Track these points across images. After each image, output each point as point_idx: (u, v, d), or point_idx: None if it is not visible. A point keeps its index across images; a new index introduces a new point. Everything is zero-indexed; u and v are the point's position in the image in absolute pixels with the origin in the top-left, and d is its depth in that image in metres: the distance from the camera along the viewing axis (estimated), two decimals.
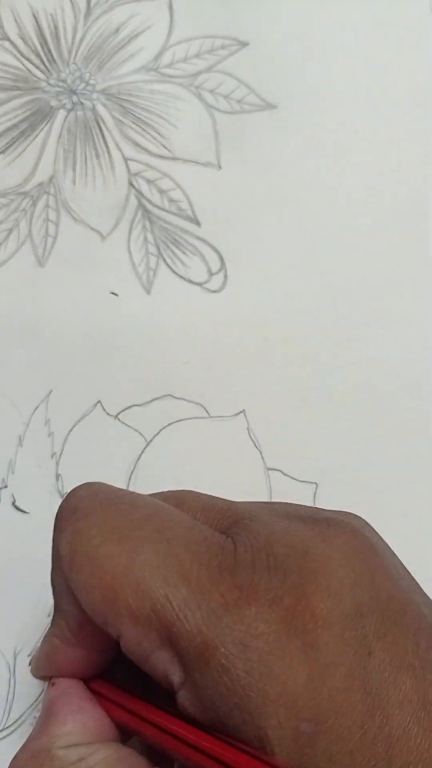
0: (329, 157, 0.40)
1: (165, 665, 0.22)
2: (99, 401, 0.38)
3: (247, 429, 0.37)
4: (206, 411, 0.37)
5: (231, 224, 0.39)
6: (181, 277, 0.39)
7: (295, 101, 0.40)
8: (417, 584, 0.25)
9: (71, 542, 0.24)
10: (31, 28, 0.41)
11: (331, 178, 0.39)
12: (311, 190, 0.39)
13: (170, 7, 0.41)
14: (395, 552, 0.26)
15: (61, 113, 0.40)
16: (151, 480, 0.37)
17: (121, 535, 0.23)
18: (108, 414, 0.37)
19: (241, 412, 0.37)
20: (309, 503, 0.37)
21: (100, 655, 0.26)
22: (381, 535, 0.26)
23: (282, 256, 0.39)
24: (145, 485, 0.36)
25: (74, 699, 0.25)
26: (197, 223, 0.39)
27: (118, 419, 0.37)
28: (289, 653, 0.21)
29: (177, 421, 0.37)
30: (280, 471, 0.37)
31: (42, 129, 0.40)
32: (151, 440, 0.37)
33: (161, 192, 0.40)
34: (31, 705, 0.34)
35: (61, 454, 0.37)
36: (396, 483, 0.37)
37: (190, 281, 0.39)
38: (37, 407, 0.37)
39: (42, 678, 0.28)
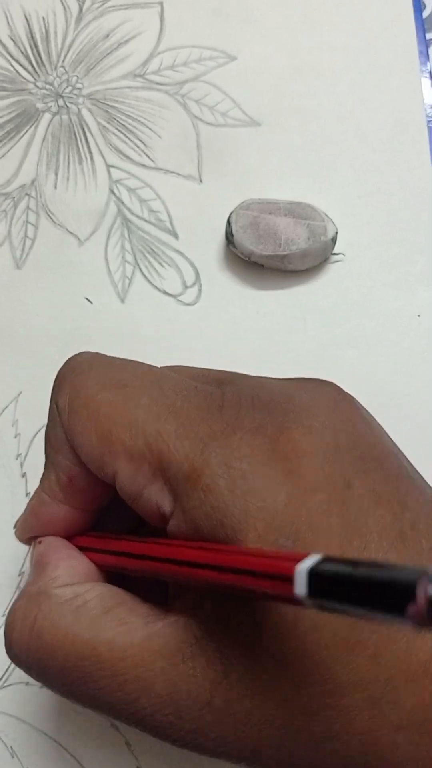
0: (310, 177, 0.40)
1: (157, 496, 0.23)
2: None
3: None
4: None
5: (208, 239, 0.39)
6: (156, 287, 0.39)
7: (279, 120, 0.41)
8: (393, 443, 0.26)
9: (70, 394, 0.25)
10: (22, 30, 0.41)
11: (309, 199, 0.40)
12: None
13: (161, 16, 0.42)
14: None
15: (47, 116, 0.40)
16: None
17: (118, 384, 0.24)
18: None
19: None
20: None
21: (84, 516, 0.27)
22: None
23: (256, 273, 0.39)
24: None
25: (62, 548, 0.26)
26: (175, 235, 0.39)
27: None
28: (271, 474, 0.21)
29: None
30: None
31: (27, 131, 0.40)
32: None
33: (141, 201, 0.40)
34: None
35: (26, 456, 0.37)
36: None
37: (164, 292, 0.39)
38: (5, 408, 0.38)
39: (26, 541, 0.28)
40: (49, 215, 0.40)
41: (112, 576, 0.26)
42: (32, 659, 0.23)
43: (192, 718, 0.21)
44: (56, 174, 0.40)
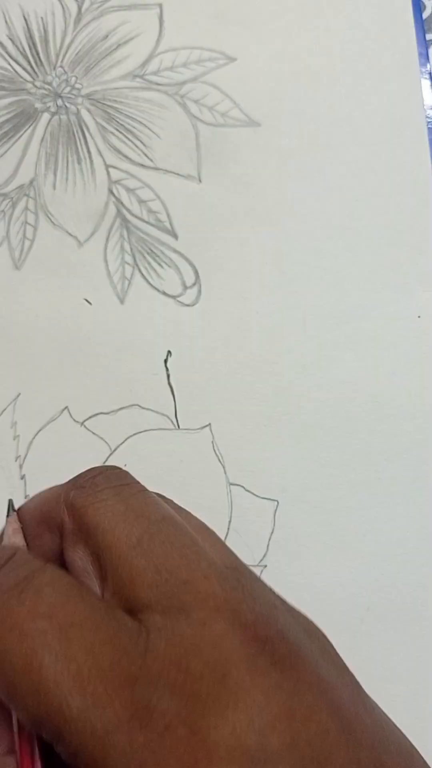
0: (309, 179, 0.40)
1: (65, 756, 0.21)
2: (66, 407, 0.38)
3: (212, 443, 0.38)
4: (172, 423, 0.38)
5: (208, 239, 0.39)
6: (155, 288, 0.39)
7: (279, 121, 0.41)
8: (361, 718, 0.22)
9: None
10: (21, 30, 0.41)
11: (309, 200, 0.40)
12: (289, 211, 0.40)
13: (160, 17, 0.41)
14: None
15: (45, 116, 0.40)
16: None
17: (22, 631, 0.21)
18: (75, 420, 0.38)
19: (206, 426, 0.38)
20: (269, 520, 0.37)
21: None
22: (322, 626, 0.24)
23: (256, 274, 0.39)
24: None
25: None
26: (174, 235, 0.39)
27: (85, 426, 0.38)
28: None
29: (143, 431, 0.38)
30: (242, 486, 0.37)
31: (25, 131, 0.40)
32: (115, 449, 0.37)
33: (140, 202, 0.40)
34: None
35: (25, 458, 0.37)
36: (358, 505, 0.37)
37: (164, 293, 0.39)
38: (4, 409, 0.38)
39: None
40: (48, 216, 0.39)
41: None
42: None
43: None
44: (55, 174, 0.40)
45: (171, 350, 0.38)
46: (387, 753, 0.21)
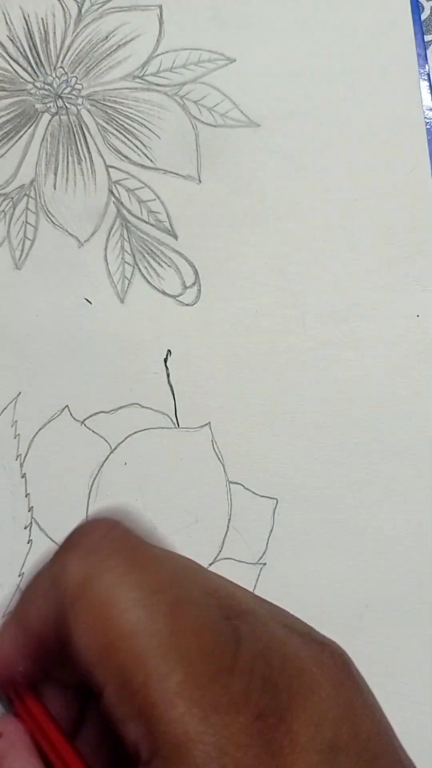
0: (308, 179, 0.40)
1: (138, 737, 0.22)
2: (67, 406, 0.38)
3: (212, 442, 0.38)
4: (172, 422, 0.38)
5: (207, 239, 0.39)
6: (155, 288, 0.39)
7: (279, 121, 0.41)
8: (391, 726, 0.25)
9: (84, 576, 0.23)
10: (21, 31, 0.41)
11: (308, 200, 0.40)
12: (288, 211, 0.40)
13: (160, 18, 0.42)
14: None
15: (46, 117, 0.40)
16: (113, 487, 0.37)
17: (137, 596, 0.23)
18: (75, 419, 0.38)
19: (206, 424, 0.38)
20: (269, 518, 0.37)
21: (45, 666, 0.26)
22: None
23: (255, 274, 0.39)
24: (108, 492, 0.37)
25: (19, 754, 0.25)
26: (174, 236, 0.39)
27: (85, 425, 0.38)
28: None
29: (143, 430, 0.38)
30: (241, 485, 0.38)
31: (26, 131, 0.40)
32: (115, 447, 0.38)
33: (140, 202, 0.40)
34: None
35: (25, 457, 0.37)
36: (357, 503, 0.37)
37: (164, 293, 0.39)
38: (4, 408, 0.38)
39: None
40: (48, 216, 0.40)
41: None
42: None
43: None
44: (55, 174, 0.40)
45: (171, 350, 0.38)
46: (407, 760, 0.24)
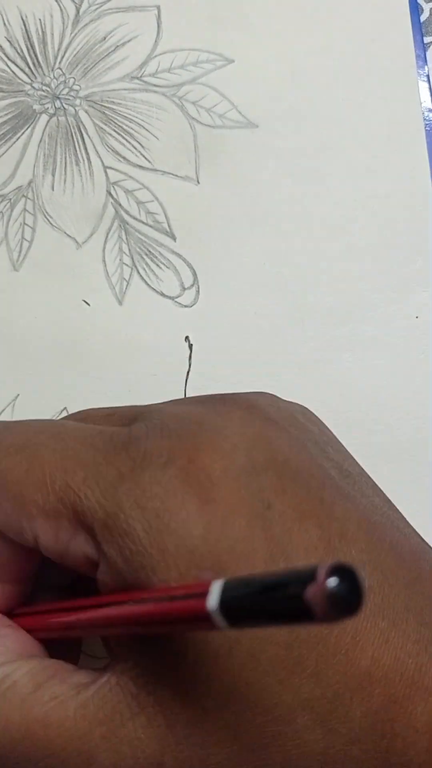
0: (307, 180, 0.40)
1: (83, 548, 0.22)
2: (65, 408, 0.38)
3: None
4: None
5: (206, 240, 0.39)
6: (153, 289, 0.39)
7: (277, 122, 0.41)
8: (342, 456, 0.26)
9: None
10: (19, 32, 0.41)
11: (307, 201, 0.40)
12: (287, 212, 0.40)
13: (158, 19, 0.42)
14: None
15: (44, 117, 0.40)
16: None
17: (18, 447, 0.23)
18: None
19: None
20: None
21: (15, 588, 0.26)
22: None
23: (254, 275, 0.39)
24: None
25: None
26: (173, 237, 0.39)
27: None
28: (185, 508, 0.21)
29: None
30: None
31: (23, 132, 0.40)
32: None
33: (139, 203, 0.40)
34: None
35: None
36: None
37: (162, 294, 0.39)
38: (3, 410, 0.38)
39: None
40: (46, 217, 0.40)
41: (59, 647, 0.25)
42: None
43: None
44: (53, 175, 0.40)
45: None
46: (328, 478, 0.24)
